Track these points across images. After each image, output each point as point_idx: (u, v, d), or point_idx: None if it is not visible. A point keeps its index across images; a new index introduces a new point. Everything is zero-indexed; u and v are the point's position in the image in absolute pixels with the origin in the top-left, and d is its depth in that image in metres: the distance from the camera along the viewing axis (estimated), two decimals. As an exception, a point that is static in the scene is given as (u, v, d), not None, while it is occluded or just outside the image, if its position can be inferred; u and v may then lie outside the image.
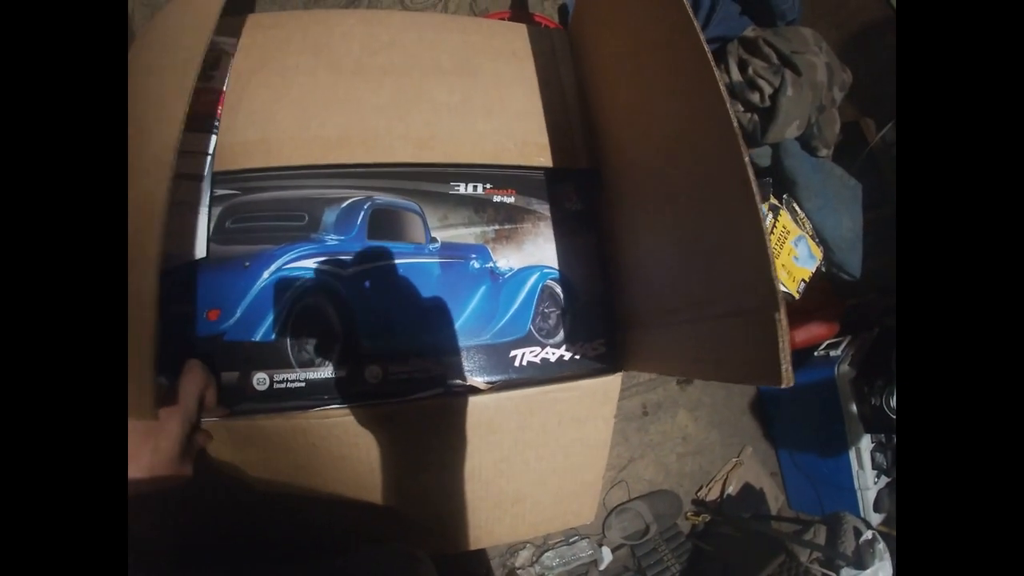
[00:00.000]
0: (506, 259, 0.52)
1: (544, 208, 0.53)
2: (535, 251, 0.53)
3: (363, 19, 0.60)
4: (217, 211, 0.49)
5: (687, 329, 0.40)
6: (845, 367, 1.06)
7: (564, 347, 0.52)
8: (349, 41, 0.56)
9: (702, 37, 0.35)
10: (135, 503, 0.31)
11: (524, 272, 0.52)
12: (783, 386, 0.29)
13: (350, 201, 0.50)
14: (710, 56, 0.34)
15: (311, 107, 0.53)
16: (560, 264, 0.53)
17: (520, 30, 0.62)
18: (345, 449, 0.49)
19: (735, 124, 0.31)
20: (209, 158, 0.50)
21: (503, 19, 0.76)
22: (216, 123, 0.52)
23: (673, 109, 0.40)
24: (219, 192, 0.49)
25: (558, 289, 0.53)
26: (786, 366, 0.27)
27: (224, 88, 0.53)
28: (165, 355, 0.42)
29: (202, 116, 0.52)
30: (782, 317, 0.27)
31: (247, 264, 0.48)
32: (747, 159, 0.30)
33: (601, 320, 0.53)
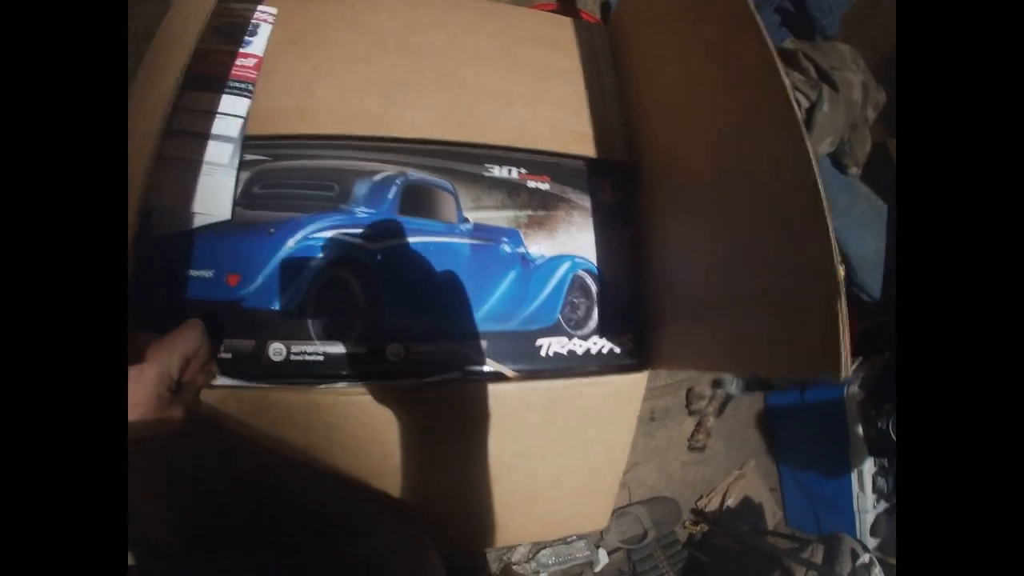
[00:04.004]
0: (537, 245, 0.51)
1: (578, 197, 0.53)
2: (568, 240, 0.52)
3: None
4: (246, 175, 0.48)
5: (735, 323, 0.39)
6: (855, 388, 1.05)
7: (592, 340, 0.51)
8: (393, 20, 0.56)
9: (767, 35, 0.34)
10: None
11: (555, 260, 0.51)
12: (842, 378, 0.28)
13: (383, 175, 0.49)
14: (775, 52, 0.33)
15: (350, 80, 0.52)
16: (592, 255, 0.52)
17: (562, 22, 0.61)
18: (360, 430, 0.48)
19: (800, 118, 0.30)
20: (242, 121, 0.50)
21: (549, 11, 0.75)
22: (251, 88, 0.51)
23: (730, 107, 0.39)
24: (249, 157, 0.48)
25: (589, 280, 0.52)
26: (846, 355, 0.26)
27: (262, 55, 0.53)
28: (175, 316, 0.42)
29: (237, 79, 0.51)
30: (843, 305, 0.26)
31: (272, 231, 0.47)
32: (812, 152, 0.29)
33: (631, 315, 0.52)
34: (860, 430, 1.04)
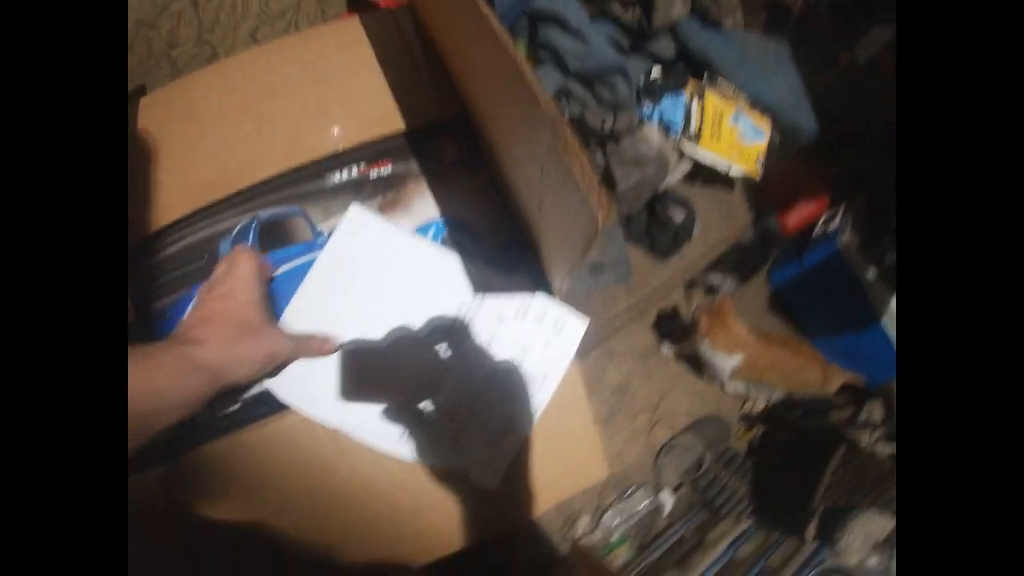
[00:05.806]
0: (399, 224, 0.52)
1: (425, 165, 0.54)
2: (426, 208, 0.53)
3: (218, 70, 0.63)
4: (137, 279, 0.52)
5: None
6: (847, 236, 0.99)
7: (485, 295, 0.51)
8: (208, 94, 0.59)
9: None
10: None
11: (419, 232, 0.52)
12: (602, 228, 0.27)
13: (239, 226, 0.52)
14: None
15: (188, 163, 0.56)
16: (454, 213, 0.53)
17: (363, 20, 0.63)
18: (297, 453, 0.49)
19: (502, 35, 0.30)
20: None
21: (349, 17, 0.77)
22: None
23: (474, 47, 0.40)
24: (134, 263, 0.53)
25: (461, 236, 0.52)
26: (593, 207, 0.25)
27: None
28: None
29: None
30: (568, 138, 0.25)
31: (167, 315, 0.51)
32: (520, 62, 0.28)
33: (517, 257, 0.53)
34: (871, 274, 0.97)
